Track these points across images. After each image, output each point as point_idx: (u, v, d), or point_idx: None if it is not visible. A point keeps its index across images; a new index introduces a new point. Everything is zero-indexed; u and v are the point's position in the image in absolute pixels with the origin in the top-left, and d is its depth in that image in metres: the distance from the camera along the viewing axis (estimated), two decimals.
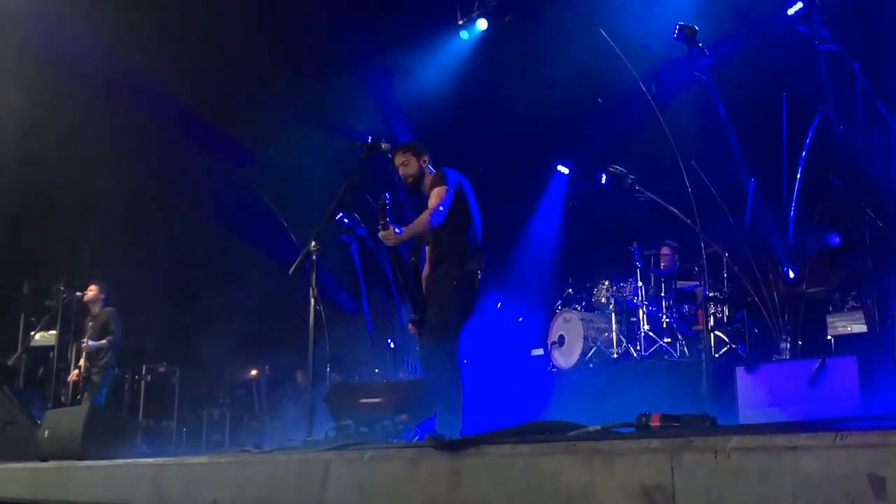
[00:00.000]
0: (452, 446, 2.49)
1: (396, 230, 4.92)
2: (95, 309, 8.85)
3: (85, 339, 8.73)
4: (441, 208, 4.97)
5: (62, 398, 9.26)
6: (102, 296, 8.89)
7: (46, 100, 10.04)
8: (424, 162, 5.30)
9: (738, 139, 7.43)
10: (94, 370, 8.60)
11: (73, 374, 8.88)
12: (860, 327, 6.41)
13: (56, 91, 10.08)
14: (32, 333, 9.82)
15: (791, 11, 7.26)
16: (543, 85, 10.18)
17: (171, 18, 10.03)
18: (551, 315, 9.08)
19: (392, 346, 11.08)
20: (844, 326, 6.47)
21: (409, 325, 5.21)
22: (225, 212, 11.67)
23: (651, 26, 8.32)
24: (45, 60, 9.97)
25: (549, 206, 11.66)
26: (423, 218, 5.01)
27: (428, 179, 5.24)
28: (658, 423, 2.29)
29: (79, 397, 8.67)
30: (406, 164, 5.27)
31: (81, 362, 8.78)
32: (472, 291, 5.11)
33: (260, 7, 10.67)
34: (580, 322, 8.52)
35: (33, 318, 9.97)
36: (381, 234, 4.93)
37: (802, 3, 7.11)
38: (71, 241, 10.44)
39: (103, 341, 8.62)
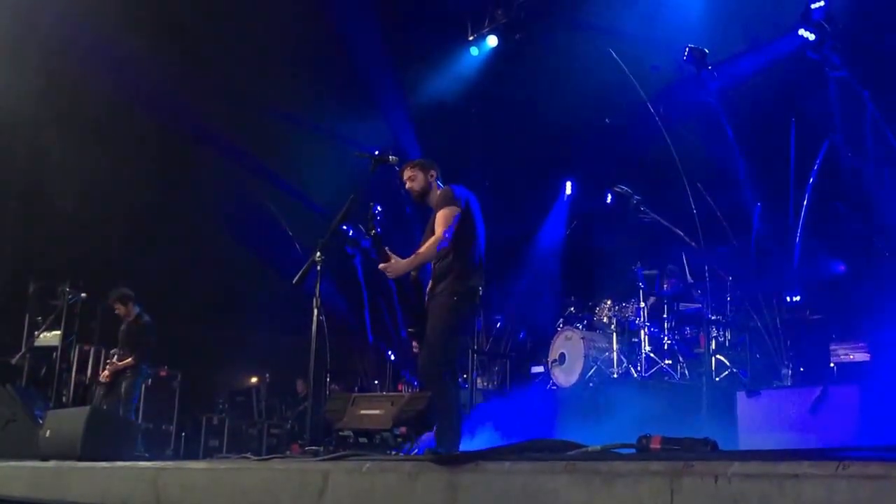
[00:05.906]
0: (451, 461, 2.48)
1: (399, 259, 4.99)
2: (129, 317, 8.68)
3: (113, 352, 8.56)
4: (447, 235, 5.03)
5: (64, 398, 9.24)
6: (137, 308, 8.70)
7: (56, 104, 10.10)
8: (432, 177, 5.40)
9: (745, 163, 7.44)
10: (126, 374, 8.40)
11: (104, 375, 8.58)
12: (863, 356, 6.37)
13: (65, 96, 10.14)
14: (37, 333, 9.80)
15: (802, 36, 7.26)
16: (551, 102, 10.21)
17: (176, 26, 10.10)
18: (552, 333, 9.06)
19: (392, 358, 11.10)
20: (847, 355, 6.42)
21: (414, 344, 5.22)
22: (230, 220, 11.71)
23: (660, 48, 8.34)
24: (57, 65, 10.03)
25: (554, 223, 11.66)
26: (430, 249, 5.06)
27: (435, 194, 5.33)
28: (659, 446, 2.29)
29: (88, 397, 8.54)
30: (413, 179, 5.39)
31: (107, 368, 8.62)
32: (472, 307, 5.18)
33: (271, 20, 10.74)
34: (581, 341, 8.49)
35: (39, 318, 9.95)
36: (381, 266, 4.96)
37: (814, 29, 7.11)
38: (77, 244, 10.46)
39: (129, 360, 8.43)
